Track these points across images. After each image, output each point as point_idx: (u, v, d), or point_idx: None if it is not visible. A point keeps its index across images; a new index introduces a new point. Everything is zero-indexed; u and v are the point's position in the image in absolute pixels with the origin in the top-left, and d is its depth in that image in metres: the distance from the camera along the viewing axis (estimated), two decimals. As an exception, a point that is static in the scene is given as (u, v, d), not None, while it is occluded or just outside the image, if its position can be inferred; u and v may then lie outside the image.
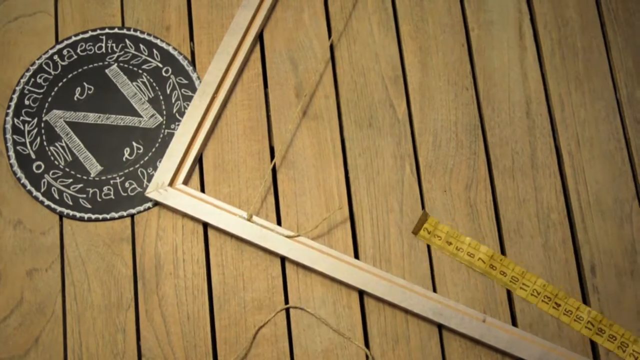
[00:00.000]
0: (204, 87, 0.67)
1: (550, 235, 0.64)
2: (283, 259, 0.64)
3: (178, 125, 0.67)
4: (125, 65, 0.69)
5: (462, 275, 0.63)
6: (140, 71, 0.69)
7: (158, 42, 0.69)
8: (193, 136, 0.66)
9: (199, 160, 0.66)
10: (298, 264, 0.63)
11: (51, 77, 0.69)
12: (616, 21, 0.70)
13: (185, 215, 0.64)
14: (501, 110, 0.68)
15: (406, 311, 0.62)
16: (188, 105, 0.68)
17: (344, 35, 0.69)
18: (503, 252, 0.64)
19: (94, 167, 0.66)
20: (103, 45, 0.69)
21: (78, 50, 0.69)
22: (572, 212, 0.65)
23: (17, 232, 0.65)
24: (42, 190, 0.65)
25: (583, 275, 0.64)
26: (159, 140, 0.67)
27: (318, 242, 0.64)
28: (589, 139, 0.67)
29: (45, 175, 0.66)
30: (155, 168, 0.66)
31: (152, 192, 0.64)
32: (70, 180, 0.66)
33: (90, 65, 0.69)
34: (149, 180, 0.66)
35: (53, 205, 0.65)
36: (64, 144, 0.67)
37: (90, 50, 0.69)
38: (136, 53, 0.69)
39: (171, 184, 0.65)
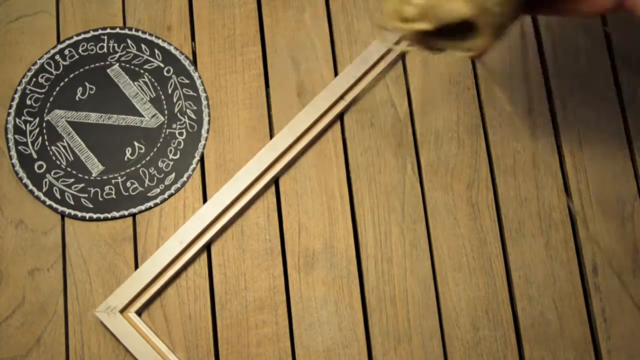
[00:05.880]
0: (198, 219, 0.64)
1: (552, 235, 0.64)
2: (284, 259, 0.64)
3: (179, 125, 0.67)
4: (127, 65, 0.69)
5: (463, 275, 0.63)
6: (141, 71, 0.69)
7: (159, 42, 0.69)
8: (162, 270, 0.63)
9: (200, 159, 0.66)
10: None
11: (53, 76, 0.69)
12: (618, 20, 0.70)
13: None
14: (503, 109, 0.68)
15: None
16: (189, 105, 0.68)
17: (345, 34, 0.69)
18: (505, 251, 0.64)
19: (95, 167, 0.66)
20: (105, 45, 0.69)
21: (80, 50, 0.69)
22: (573, 212, 0.65)
23: (18, 231, 0.65)
24: (44, 190, 0.65)
25: (585, 274, 0.64)
26: (161, 140, 0.67)
27: (319, 240, 0.64)
28: (591, 138, 0.67)
29: (47, 175, 0.66)
30: (156, 168, 0.66)
31: (101, 312, 0.61)
32: (72, 180, 0.66)
33: (92, 65, 0.69)
34: (151, 180, 0.66)
35: (55, 205, 0.65)
36: (65, 144, 0.67)
37: (92, 50, 0.69)
38: (138, 53, 0.69)
39: (123, 310, 0.62)
